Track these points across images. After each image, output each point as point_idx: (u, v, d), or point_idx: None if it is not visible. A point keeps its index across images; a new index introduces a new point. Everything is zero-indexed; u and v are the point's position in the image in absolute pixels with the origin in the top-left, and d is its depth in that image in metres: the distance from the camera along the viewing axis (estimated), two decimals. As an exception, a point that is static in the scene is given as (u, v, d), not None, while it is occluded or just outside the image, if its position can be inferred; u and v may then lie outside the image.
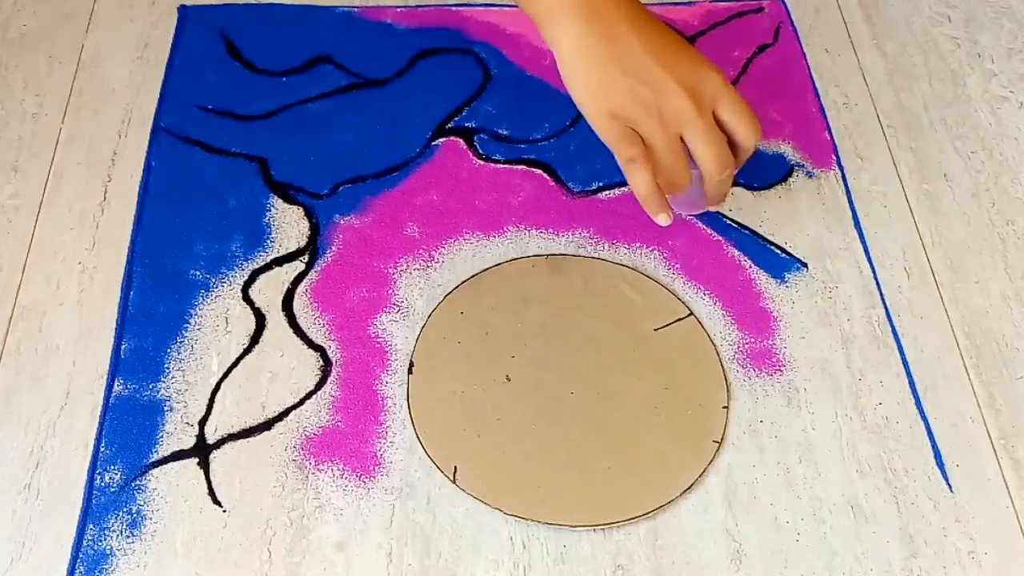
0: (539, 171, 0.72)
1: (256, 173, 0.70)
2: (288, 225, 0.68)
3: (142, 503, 0.57)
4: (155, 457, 0.58)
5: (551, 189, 0.71)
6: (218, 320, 0.64)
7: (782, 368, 0.63)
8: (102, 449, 0.59)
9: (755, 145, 0.61)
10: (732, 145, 0.61)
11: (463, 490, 0.57)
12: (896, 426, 0.61)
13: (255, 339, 0.63)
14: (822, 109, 0.76)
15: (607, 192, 0.71)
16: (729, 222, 0.69)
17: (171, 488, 0.57)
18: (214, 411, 0.60)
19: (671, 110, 0.58)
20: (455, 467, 0.58)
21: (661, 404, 0.61)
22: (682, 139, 0.59)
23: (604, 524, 0.57)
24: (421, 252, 0.67)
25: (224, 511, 0.57)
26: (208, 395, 0.61)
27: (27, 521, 0.56)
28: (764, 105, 0.75)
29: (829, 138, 0.74)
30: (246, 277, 0.66)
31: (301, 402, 0.61)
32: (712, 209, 0.68)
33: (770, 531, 0.57)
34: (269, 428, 0.60)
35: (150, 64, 0.76)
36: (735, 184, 0.71)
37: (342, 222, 0.68)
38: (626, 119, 0.58)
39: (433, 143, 0.73)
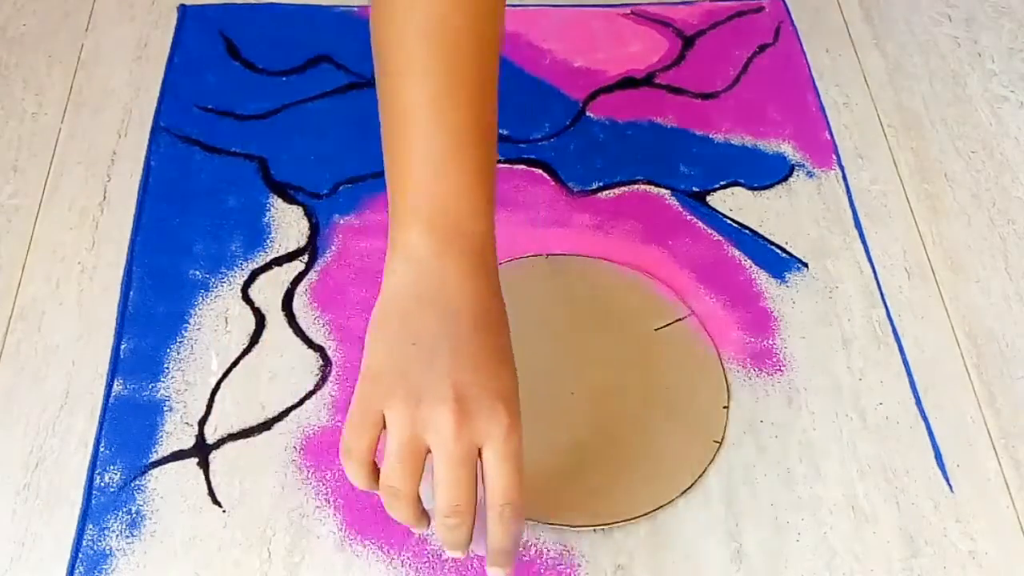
0: (539, 171, 0.72)
1: (256, 173, 0.70)
2: (288, 225, 0.68)
3: (142, 503, 0.57)
4: (155, 457, 0.58)
5: (551, 189, 0.71)
6: (218, 320, 0.64)
7: (782, 368, 0.63)
8: (102, 449, 0.59)
9: (503, 508, 0.46)
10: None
11: (463, 490, 0.57)
12: (896, 426, 0.61)
13: (255, 339, 0.63)
14: (822, 109, 0.76)
15: (607, 192, 0.71)
16: (729, 222, 0.69)
17: (171, 488, 0.57)
18: (214, 411, 0.60)
19: (428, 412, 0.45)
20: (455, 467, 0.58)
21: (661, 404, 0.61)
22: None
23: (604, 524, 0.57)
24: (421, 252, 0.67)
25: (224, 511, 0.57)
26: (208, 395, 0.61)
27: (27, 521, 0.56)
28: (764, 105, 0.75)
29: (829, 138, 0.74)
30: (246, 277, 0.66)
31: (301, 402, 0.61)
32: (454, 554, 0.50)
33: (770, 531, 0.57)
34: (269, 428, 0.60)
35: (150, 64, 0.76)
36: (735, 184, 0.71)
37: (342, 222, 0.68)
38: (383, 392, 0.46)
39: (433, 143, 0.73)
